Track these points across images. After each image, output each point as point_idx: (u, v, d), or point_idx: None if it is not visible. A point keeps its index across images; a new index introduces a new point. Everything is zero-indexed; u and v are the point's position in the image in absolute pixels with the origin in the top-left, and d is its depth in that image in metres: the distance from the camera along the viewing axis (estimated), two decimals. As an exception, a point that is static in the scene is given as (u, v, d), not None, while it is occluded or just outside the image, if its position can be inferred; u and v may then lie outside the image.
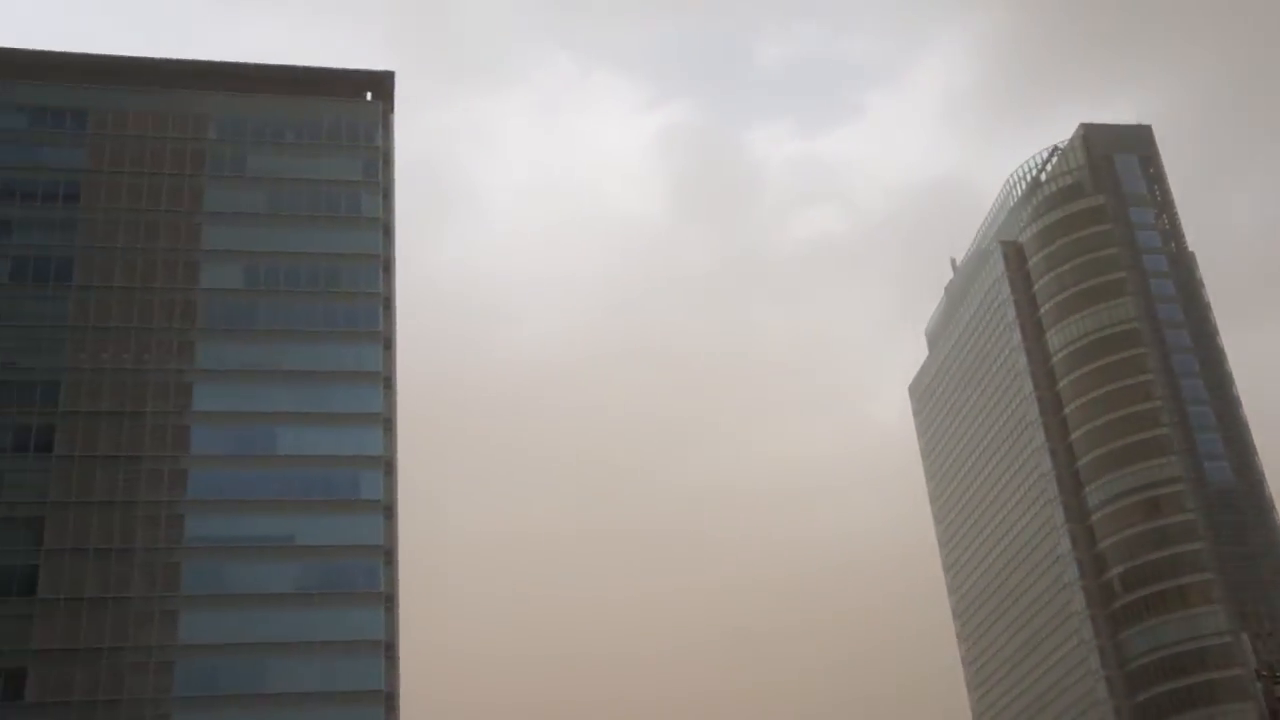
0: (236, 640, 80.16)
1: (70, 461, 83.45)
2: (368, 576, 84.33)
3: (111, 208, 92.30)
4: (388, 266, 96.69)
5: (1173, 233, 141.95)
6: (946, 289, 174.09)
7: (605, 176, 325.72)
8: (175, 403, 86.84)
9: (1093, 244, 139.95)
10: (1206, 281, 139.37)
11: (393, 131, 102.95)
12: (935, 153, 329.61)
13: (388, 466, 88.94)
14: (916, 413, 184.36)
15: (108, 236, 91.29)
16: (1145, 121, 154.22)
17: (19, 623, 77.99)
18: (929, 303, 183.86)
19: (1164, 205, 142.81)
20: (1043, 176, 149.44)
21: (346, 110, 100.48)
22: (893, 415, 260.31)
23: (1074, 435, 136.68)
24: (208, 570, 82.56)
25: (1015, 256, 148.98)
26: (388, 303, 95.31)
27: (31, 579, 79.47)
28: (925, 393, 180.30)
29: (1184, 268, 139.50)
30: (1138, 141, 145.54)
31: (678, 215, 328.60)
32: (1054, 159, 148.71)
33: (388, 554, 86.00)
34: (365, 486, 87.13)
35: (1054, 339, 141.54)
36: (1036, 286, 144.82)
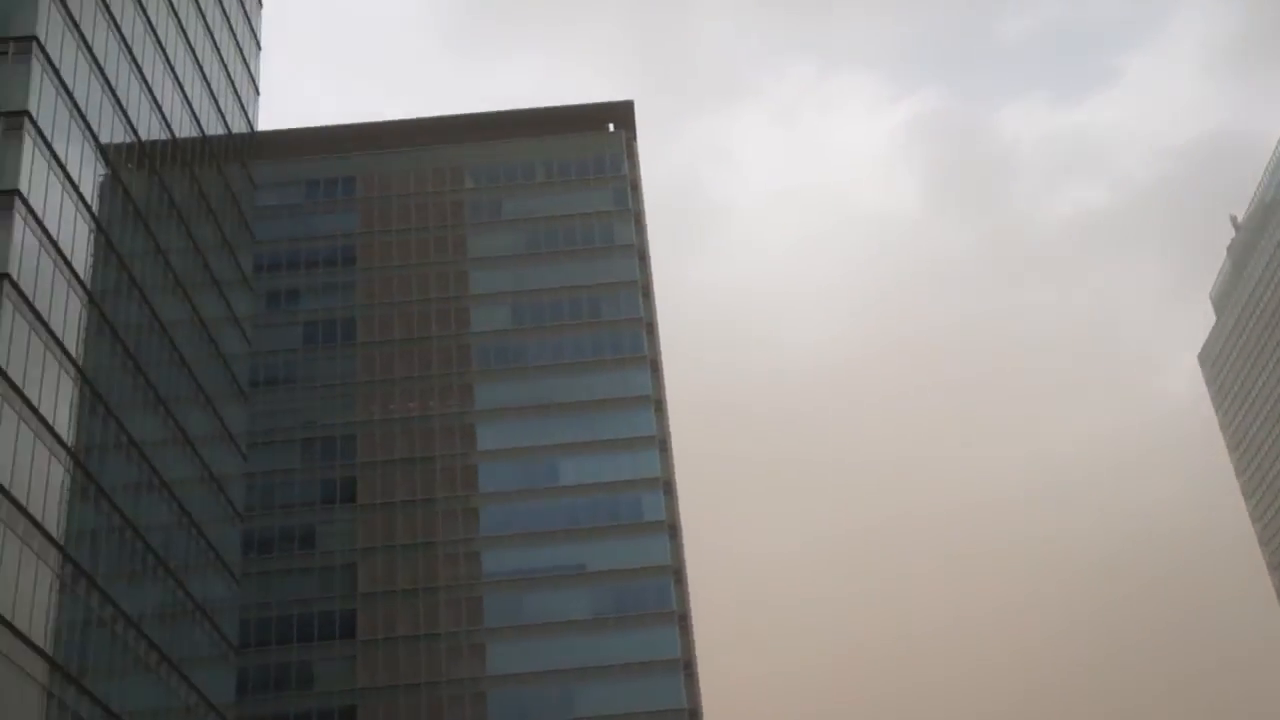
0: (542, 668, 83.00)
1: (373, 509, 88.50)
2: (659, 597, 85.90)
3: (385, 265, 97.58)
4: (646, 291, 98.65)
5: None
6: (1229, 249, 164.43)
7: (854, 177, 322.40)
8: (461, 444, 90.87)
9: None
10: None
11: (638, 159, 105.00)
12: (1200, 109, 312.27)
13: (667, 487, 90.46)
14: (1210, 381, 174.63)
15: (384, 293, 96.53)
16: None
17: (345, 663, 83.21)
18: (1209, 266, 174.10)
19: None
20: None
21: (591, 144, 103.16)
22: (1181, 386, 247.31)
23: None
24: (508, 602, 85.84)
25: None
26: (650, 327, 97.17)
27: (351, 622, 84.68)
28: (1218, 359, 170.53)
29: None
30: None
31: (931, 206, 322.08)
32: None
33: (676, 573, 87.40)
34: (648, 508, 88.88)
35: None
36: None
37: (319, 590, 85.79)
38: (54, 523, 44.99)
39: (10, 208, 44.07)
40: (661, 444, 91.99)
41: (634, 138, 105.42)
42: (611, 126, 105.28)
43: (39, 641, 42.81)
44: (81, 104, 50.33)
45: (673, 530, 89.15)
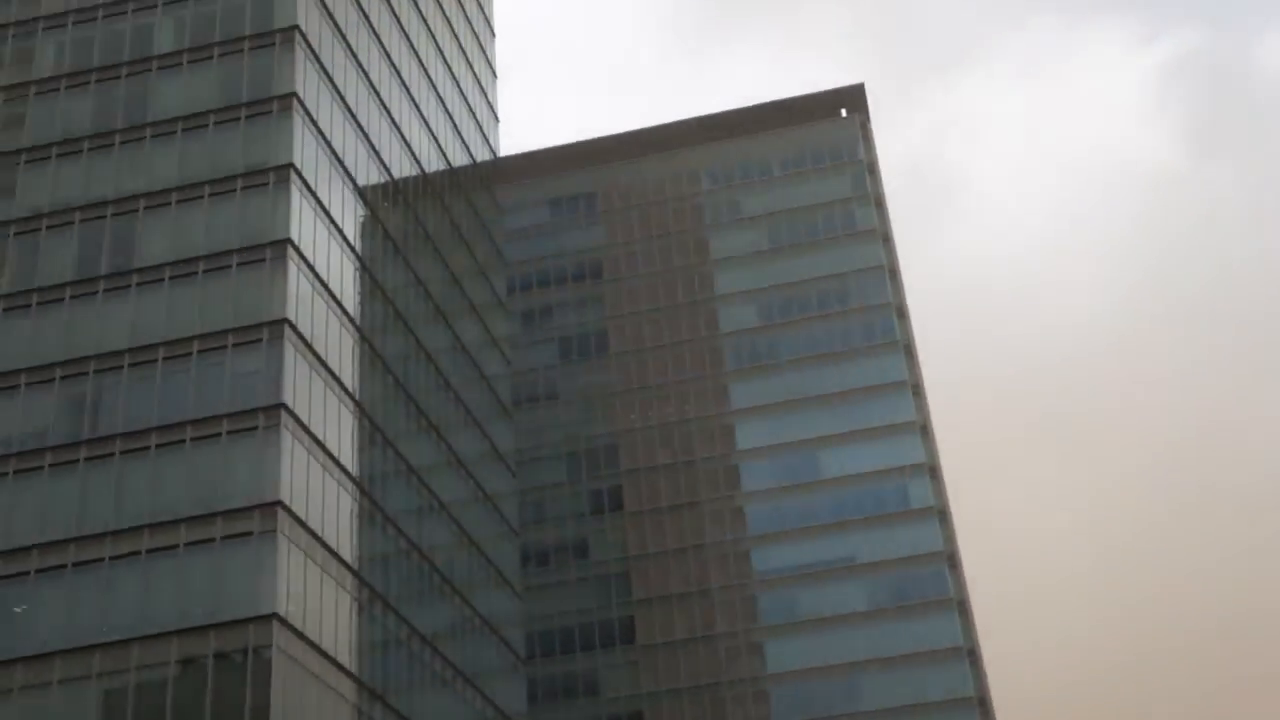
0: (823, 663, 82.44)
1: (641, 516, 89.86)
2: (936, 584, 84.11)
3: (631, 275, 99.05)
4: (893, 274, 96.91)
5: None
6: None
7: (1108, 129, 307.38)
8: (721, 445, 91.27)
9: None
10: None
11: (873, 141, 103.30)
12: None
13: (932, 472, 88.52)
14: None
15: (632, 302, 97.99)
16: None
17: (627, 669, 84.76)
18: None
19: None
20: None
21: (825, 132, 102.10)
22: None
23: None
24: (782, 599, 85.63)
25: None
26: (900, 310, 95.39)
27: (630, 628, 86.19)
28: None
29: None
30: None
31: (1196, 151, 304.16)
32: None
33: (950, 559, 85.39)
34: (915, 495, 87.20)
35: None
36: None
37: (596, 599, 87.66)
38: (348, 549, 47.37)
39: (284, 256, 46.69)
40: (922, 429, 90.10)
41: (867, 120, 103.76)
42: (844, 112, 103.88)
43: (345, 662, 45.13)
44: (339, 152, 52.90)
45: (942, 515, 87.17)
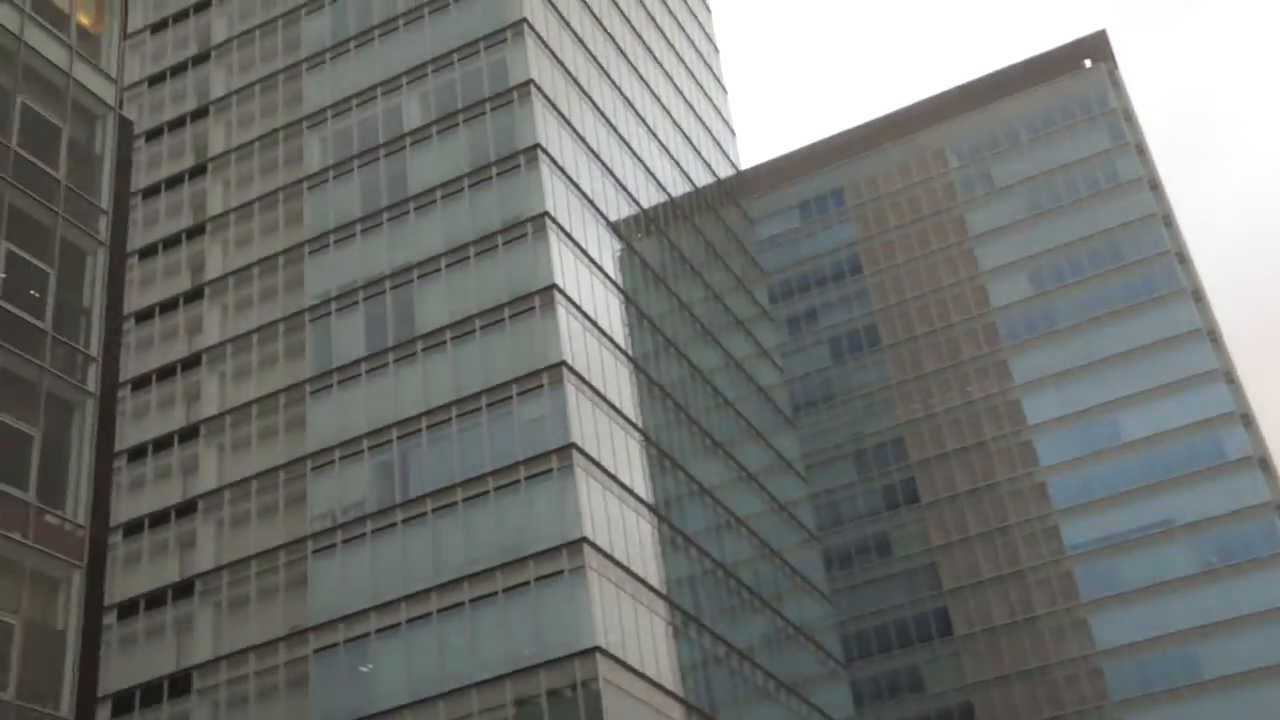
0: (1155, 633, 78.68)
1: (939, 505, 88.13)
2: (1267, 539, 79.11)
3: (891, 265, 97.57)
4: (1168, 221, 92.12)
5: None
6: None
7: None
8: (1010, 423, 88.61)
9: None
10: None
11: (1124, 87, 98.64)
12: None
13: (1246, 420, 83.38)
14: None
15: (897, 292, 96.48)
16: None
17: (950, 661, 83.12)
18: None
19: None
20: None
21: (1072, 86, 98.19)
22: None
23: None
24: (1101, 571, 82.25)
25: None
26: (1181, 257, 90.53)
27: (945, 620, 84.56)
28: None
29: None
30: None
31: None
32: None
33: (1279, 508, 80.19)
34: (1230, 446, 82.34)
35: None
36: None
37: (906, 594, 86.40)
38: (655, 576, 48.35)
39: (552, 301, 48.28)
40: (1227, 376, 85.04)
41: (1115, 67, 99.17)
42: (1088, 62, 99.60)
43: (670, 686, 46.02)
44: (588, 192, 54.38)
45: (1264, 465, 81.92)
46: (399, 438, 48.33)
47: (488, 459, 46.47)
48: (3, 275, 27.05)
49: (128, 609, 49.49)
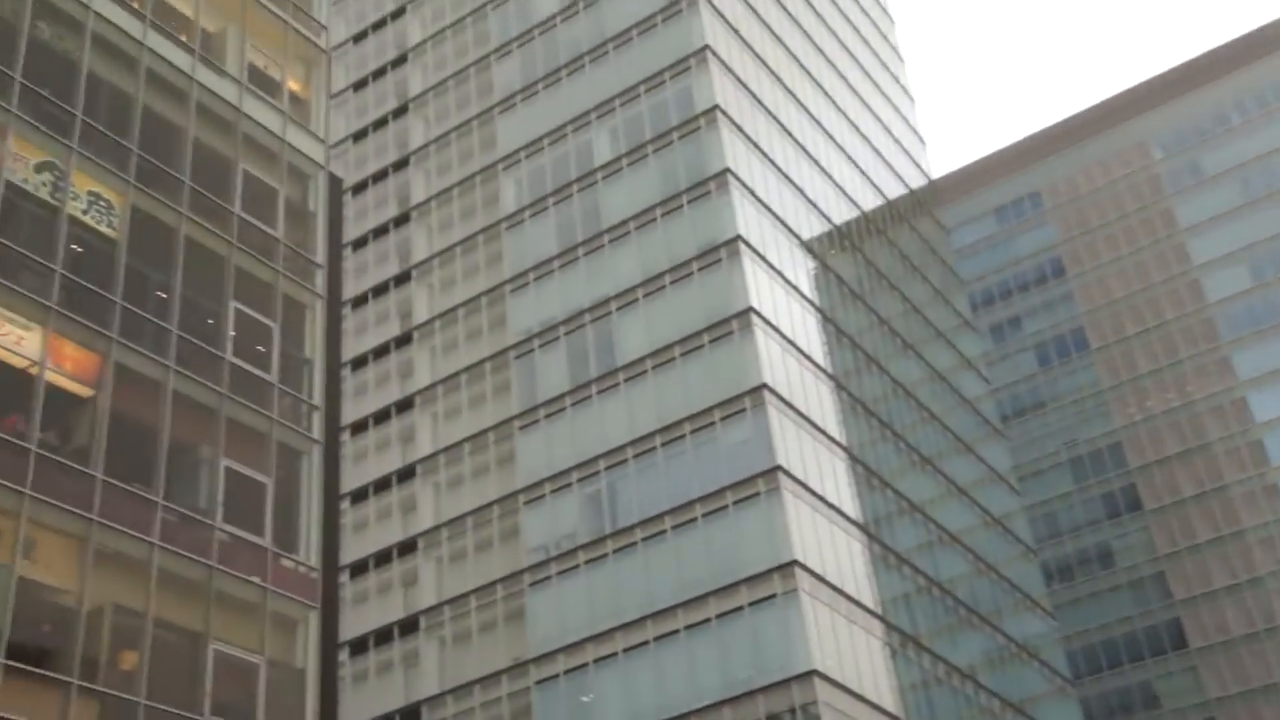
0: None
1: (1163, 512, 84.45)
2: None
3: (1096, 266, 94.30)
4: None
5: None
6: None
7: None
8: (1236, 422, 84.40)
9: None
10: None
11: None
12: None
13: None
14: None
15: (1104, 293, 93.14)
16: None
17: (1186, 675, 79.34)
18: None
19: None
20: None
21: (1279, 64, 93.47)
22: None
23: None
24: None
25: None
26: None
27: (1178, 631, 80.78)
28: None
29: None
30: None
31: None
32: None
33: None
34: None
35: None
36: None
37: (1133, 606, 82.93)
38: (868, 596, 47.73)
39: (750, 325, 48.34)
40: None
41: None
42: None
43: (891, 708, 45.29)
44: (780, 213, 54.34)
45: None
46: (606, 468, 49.03)
47: (694, 485, 46.72)
48: (233, 333, 28.61)
49: (358, 646, 51.41)
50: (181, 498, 26.41)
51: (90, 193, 27.13)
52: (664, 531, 46.54)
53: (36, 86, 26.75)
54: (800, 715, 41.06)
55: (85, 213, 26.90)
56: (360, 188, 63.40)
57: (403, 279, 59.71)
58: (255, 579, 26.56)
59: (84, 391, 25.61)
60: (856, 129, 67.68)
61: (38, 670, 22.33)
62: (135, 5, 29.86)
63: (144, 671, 23.71)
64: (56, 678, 22.49)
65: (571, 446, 50.24)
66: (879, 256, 63.89)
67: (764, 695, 41.94)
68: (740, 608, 43.71)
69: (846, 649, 44.37)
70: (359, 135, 64.91)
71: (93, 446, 24.89)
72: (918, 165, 75.48)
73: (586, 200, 55.12)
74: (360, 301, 60.38)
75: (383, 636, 51.33)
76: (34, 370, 24.53)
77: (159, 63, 29.73)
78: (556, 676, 45.99)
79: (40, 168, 26.37)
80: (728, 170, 51.52)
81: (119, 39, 29.07)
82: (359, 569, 53.24)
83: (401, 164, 62.68)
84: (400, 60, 65.31)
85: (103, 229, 27.18)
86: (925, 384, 62.57)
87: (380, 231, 61.77)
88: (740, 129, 54.13)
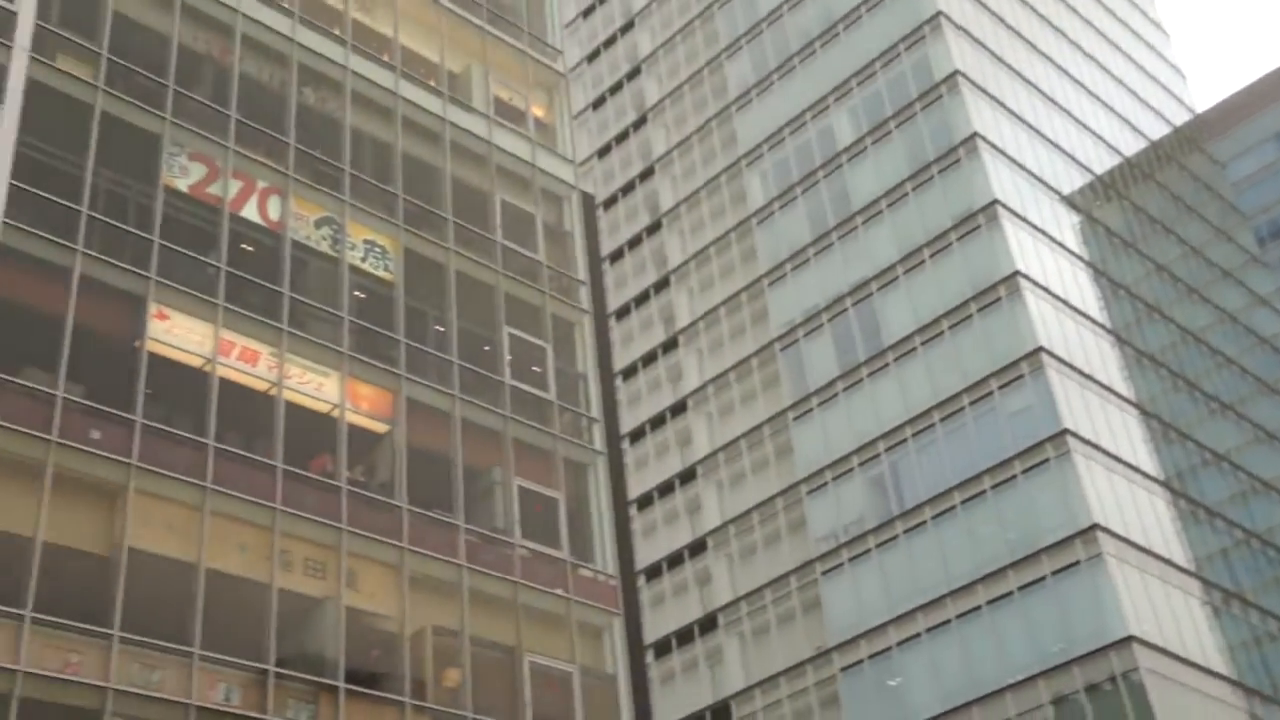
0: None
1: None
2: None
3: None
4: None
5: None
6: None
7: None
8: None
9: None
10: None
11: None
12: None
13: None
14: None
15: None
16: None
17: None
18: None
19: None
20: None
21: None
22: None
23: None
24: None
25: None
26: None
27: None
28: None
29: None
30: None
31: None
32: None
33: None
34: None
35: None
36: None
37: None
38: (1179, 553, 45.48)
39: (1018, 288, 46.85)
40: None
41: None
42: None
43: (1221, 670, 43.01)
44: (1035, 170, 52.49)
45: None
46: (886, 450, 48.43)
47: (979, 458, 45.59)
48: (509, 357, 29.75)
49: (662, 648, 52.41)
50: (480, 519, 27.62)
51: (366, 241, 28.74)
52: (953, 508, 45.58)
53: (308, 148, 28.55)
54: (1122, 684, 39.43)
55: (363, 260, 28.52)
56: (610, 202, 64.75)
57: (661, 285, 60.61)
58: (558, 591, 27.49)
59: (381, 428, 27.13)
60: (1108, 73, 64.63)
61: (373, 692, 23.78)
62: (386, 58, 31.47)
63: (468, 687, 24.90)
64: (391, 698, 23.88)
65: (848, 431, 49.83)
66: (1148, 201, 60.80)
67: (1079, 666, 40.48)
68: (1043, 578, 42.35)
69: (1164, 611, 42.38)
70: (603, 151, 66.31)
71: (395, 479, 26.32)
72: (1180, 101, 71.43)
73: (834, 185, 54.63)
74: (623, 312, 61.62)
75: (684, 637, 52.14)
76: (335, 413, 26.14)
77: (412, 109, 31.24)
78: (861, 662, 45.66)
79: (320, 223, 28.12)
80: (976, 135, 50.11)
81: (375, 92, 30.70)
82: (653, 573, 54.27)
83: (647, 173, 63.68)
84: (634, 73, 66.39)
85: (380, 273, 28.74)
86: (1215, 328, 59.14)
87: (634, 242, 62.91)
88: (984, 90, 52.58)
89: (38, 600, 20.37)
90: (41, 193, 23.70)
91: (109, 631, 20.94)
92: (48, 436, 21.75)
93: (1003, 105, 53.17)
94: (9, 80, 23.97)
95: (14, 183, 23.16)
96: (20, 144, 23.62)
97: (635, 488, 56.14)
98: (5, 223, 22.70)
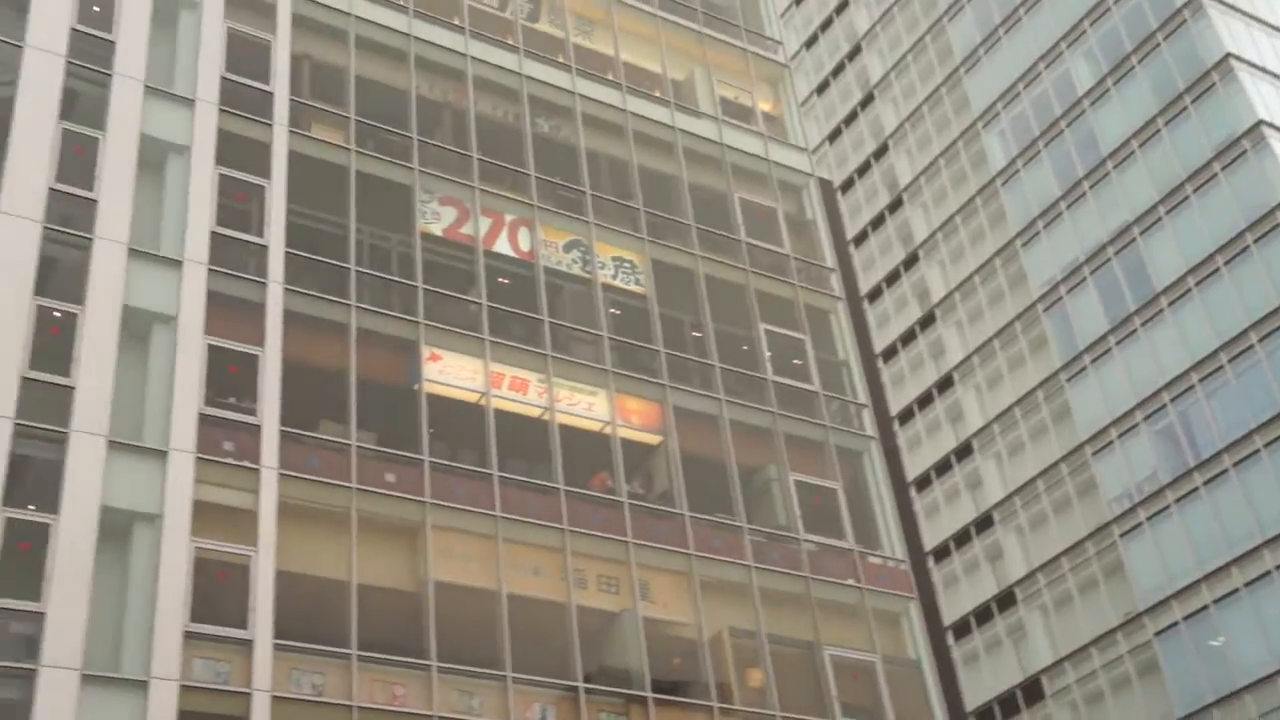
0: None
1: None
2: None
3: None
4: None
5: None
6: None
7: None
8: None
9: None
10: None
11: None
12: None
13: None
14: None
15: None
16: None
17: None
18: None
19: None
20: None
21: None
22: None
23: None
24: None
25: None
26: None
27: None
28: None
29: None
30: None
31: None
32: None
33: None
34: None
35: None
36: None
37: None
38: None
39: (1297, 211, 43.82)
40: None
41: None
42: None
43: None
44: (1298, 83, 49.01)
45: None
46: (1172, 400, 46.01)
47: (1277, 396, 42.77)
48: (769, 354, 29.71)
49: (961, 629, 51.22)
50: (762, 518, 27.67)
51: (614, 258, 29.27)
52: (1256, 452, 42.86)
53: (549, 176, 29.32)
54: None
55: (614, 277, 29.05)
56: (848, 185, 63.94)
57: (911, 261, 59.42)
58: (850, 582, 27.24)
59: (653, 440, 27.54)
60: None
61: (682, 699, 24.12)
62: (610, 77, 31.99)
63: (771, 686, 24.93)
64: (699, 704, 24.16)
65: (1128, 386, 47.58)
66: None
67: None
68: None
69: None
70: (833, 135, 65.57)
71: (673, 487, 26.65)
72: None
73: (1078, 132, 52.35)
74: (875, 294, 60.70)
75: (982, 615, 50.82)
76: (607, 430, 26.69)
77: (642, 123, 31.65)
78: (1175, 625, 43.42)
79: (568, 247, 28.81)
80: (1229, 56, 47.12)
81: (604, 112, 31.27)
82: (941, 553, 53.14)
83: (881, 151, 62.59)
84: (855, 51, 65.38)
85: (632, 288, 29.20)
86: None
87: (877, 222, 61.92)
88: (1232, 7, 49.43)
89: (361, 639, 21.51)
90: (314, 256, 25.11)
91: (427, 662, 21.93)
92: (348, 484, 22.98)
93: (1256, 19, 49.86)
94: (273, 156, 25.51)
95: (289, 250, 24.61)
96: (289, 213, 25.09)
97: (912, 469, 55.14)
98: (286, 289, 24.14)
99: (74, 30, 24.63)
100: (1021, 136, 54.84)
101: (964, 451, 54.00)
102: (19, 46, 23.82)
